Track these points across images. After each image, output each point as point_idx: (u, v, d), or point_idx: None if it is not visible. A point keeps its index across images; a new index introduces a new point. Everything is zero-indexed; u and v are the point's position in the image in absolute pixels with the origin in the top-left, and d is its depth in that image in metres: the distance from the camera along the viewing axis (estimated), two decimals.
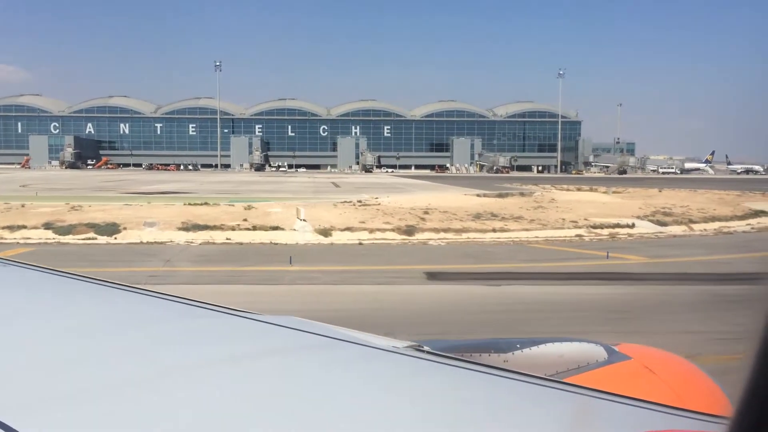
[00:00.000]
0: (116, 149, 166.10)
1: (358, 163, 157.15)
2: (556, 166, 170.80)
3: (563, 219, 33.51)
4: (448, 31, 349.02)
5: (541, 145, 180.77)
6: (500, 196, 45.10)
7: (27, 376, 1.48)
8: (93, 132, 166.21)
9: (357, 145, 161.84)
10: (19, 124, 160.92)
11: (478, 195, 44.88)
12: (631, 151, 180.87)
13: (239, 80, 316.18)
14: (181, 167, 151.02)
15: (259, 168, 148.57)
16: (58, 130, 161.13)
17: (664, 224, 34.79)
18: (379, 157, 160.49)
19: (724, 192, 64.41)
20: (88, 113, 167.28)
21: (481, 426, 1.34)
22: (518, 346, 2.69)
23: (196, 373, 1.55)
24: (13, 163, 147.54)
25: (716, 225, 36.35)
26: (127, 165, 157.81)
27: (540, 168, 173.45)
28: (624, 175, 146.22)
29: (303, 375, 1.59)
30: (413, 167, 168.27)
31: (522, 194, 48.49)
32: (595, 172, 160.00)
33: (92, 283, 2.65)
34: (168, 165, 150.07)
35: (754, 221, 38.57)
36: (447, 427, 1.30)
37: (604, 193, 55.30)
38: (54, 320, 2.04)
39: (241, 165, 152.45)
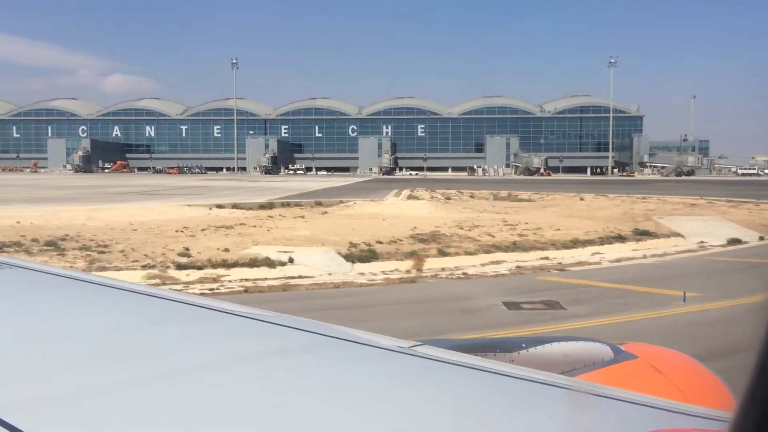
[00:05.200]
0: (143, 152, 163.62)
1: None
2: (607, 167, 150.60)
3: (208, 248, 21.15)
4: (500, 19, 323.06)
5: (598, 143, 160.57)
6: (264, 207, 32.45)
7: (31, 376, 1.48)
8: (120, 135, 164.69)
9: (380, 146, 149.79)
10: (50, 127, 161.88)
11: (219, 206, 32.48)
12: (704, 150, 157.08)
13: (276, 81, 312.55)
14: (189, 170, 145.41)
15: (269, 171, 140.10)
16: (86, 134, 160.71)
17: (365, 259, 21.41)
18: (396, 158, 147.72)
19: (690, 199, 48.04)
20: (115, 116, 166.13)
21: (487, 425, 1.33)
22: (524, 345, 2.66)
23: (199, 373, 1.54)
24: (45, 167, 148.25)
25: (458, 262, 22.42)
26: (147, 168, 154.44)
27: (600, 169, 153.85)
28: (684, 177, 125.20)
29: (307, 375, 1.59)
30: (450, 169, 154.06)
31: (319, 204, 35.39)
32: (648, 174, 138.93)
33: (93, 283, 2.62)
34: (172, 168, 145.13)
35: (551, 254, 24.21)
36: (453, 426, 1.29)
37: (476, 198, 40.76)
38: (57, 321, 2.04)
39: (255, 168, 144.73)
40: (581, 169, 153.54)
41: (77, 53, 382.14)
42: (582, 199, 47.66)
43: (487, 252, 23.53)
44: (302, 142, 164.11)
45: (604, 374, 2.49)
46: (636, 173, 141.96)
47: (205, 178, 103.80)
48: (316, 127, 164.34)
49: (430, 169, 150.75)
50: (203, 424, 1.25)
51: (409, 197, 44.22)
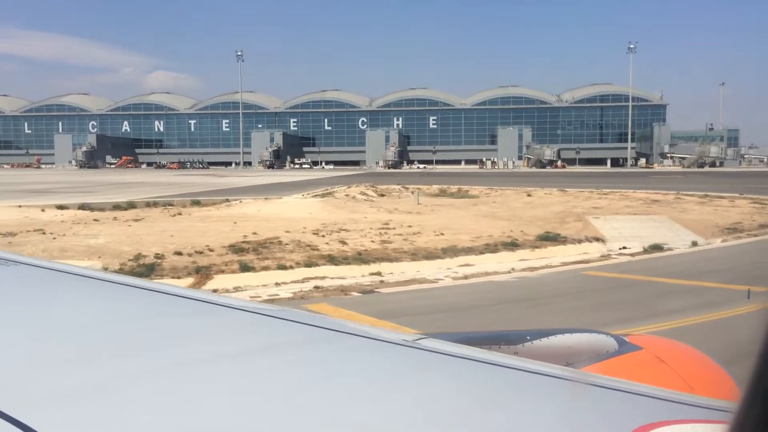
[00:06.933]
0: (152, 147, 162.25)
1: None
2: (627, 159, 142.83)
3: None
4: (517, 4, 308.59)
5: (619, 134, 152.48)
6: (119, 207, 28.56)
7: (34, 372, 1.49)
8: (129, 130, 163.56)
9: (387, 139, 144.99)
10: (60, 123, 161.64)
11: (60, 207, 28.63)
12: (733, 140, 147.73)
13: (290, 73, 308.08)
14: (191, 165, 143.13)
15: (272, 165, 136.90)
16: (96, 129, 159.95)
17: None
18: (402, 151, 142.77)
19: (660, 194, 42.62)
20: (125, 111, 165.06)
21: (492, 417, 1.34)
22: (528, 338, 2.67)
23: (201, 368, 1.55)
24: (53, 163, 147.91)
25: (255, 279, 18.36)
26: (153, 163, 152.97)
27: (622, 161, 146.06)
28: (708, 169, 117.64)
29: (312, 368, 1.59)
30: (463, 162, 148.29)
31: (196, 203, 31.27)
32: (669, 166, 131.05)
33: (95, 279, 2.63)
34: (173, 163, 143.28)
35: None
36: (458, 419, 1.30)
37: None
38: (59, 316, 2.05)
39: (259, 162, 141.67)
40: (601, 161, 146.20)
41: (121, 51, 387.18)
42: (529, 195, 42.54)
43: (310, 266, 19.17)
44: (312, 136, 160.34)
45: (608, 366, 2.44)
46: (656, 165, 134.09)
47: (187, 173, 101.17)
48: (326, 120, 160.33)
49: (443, 162, 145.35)
50: (205, 418, 1.24)
51: (320, 195, 39.75)
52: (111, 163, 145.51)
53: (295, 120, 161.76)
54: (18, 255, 2.97)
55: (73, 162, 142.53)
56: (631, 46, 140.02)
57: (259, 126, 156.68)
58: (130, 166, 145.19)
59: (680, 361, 2.68)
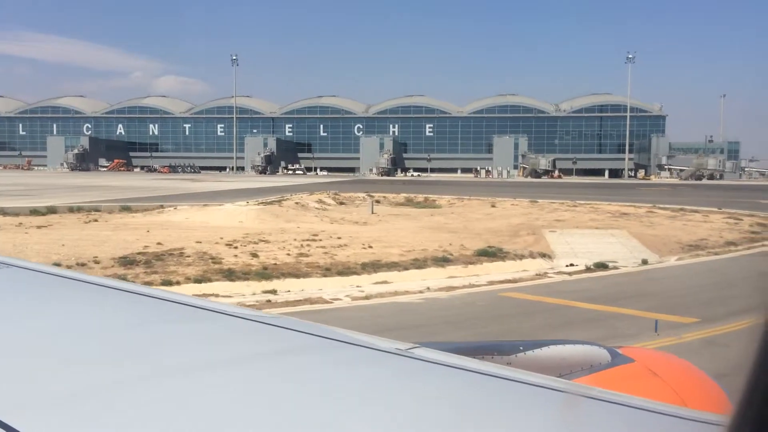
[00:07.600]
0: (146, 150, 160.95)
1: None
2: (624, 170, 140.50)
3: None
4: (518, 13, 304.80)
5: (618, 144, 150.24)
6: (37, 212, 26.81)
7: (28, 376, 1.49)
8: (124, 133, 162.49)
9: (382, 146, 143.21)
10: (55, 125, 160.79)
11: None
12: (734, 152, 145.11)
13: (289, 78, 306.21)
14: (182, 169, 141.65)
15: (264, 171, 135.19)
16: (90, 131, 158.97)
17: None
18: (395, 158, 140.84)
19: (631, 208, 40.67)
20: (120, 114, 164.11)
21: (484, 428, 1.34)
22: (521, 348, 2.69)
23: (196, 374, 1.55)
24: (46, 165, 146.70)
25: None
26: (147, 167, 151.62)
27: (620, 172, 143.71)
28: (706, 181, 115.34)
29: (304, 376, 1.59)
30: (459, 170, 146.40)
31: (127, 209, 29.44)
32: (666, 177, 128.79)
33: (90, 283, 2.64)
34: (164, 167, 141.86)
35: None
36: (450, 429, 1.30)
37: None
38: (54, 321, 2.06)
39: (251, 167, 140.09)
40: (599, 172, 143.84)
41: (130, 55, 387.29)
42: (493, 206, 40.69)
43: (202, 282, 17.42)
44: (307, 141, 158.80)
45: (601, 378, 2.44)
46: (653, 176, 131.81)
47: (168, 177, 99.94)
48: (321, 126, 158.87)
49: (438, 170, 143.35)
50: (199, 425, 1.24)
51: (266, 202, 37.94)
52: (103, 166, 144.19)
53: (291, 125, 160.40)
54: (16, 259, 2.92)
55: (65, 164, 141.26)
56: (630, 56, 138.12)
57: (254, 131, 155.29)
58: (122, 169, 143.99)
59: (673, 374, 2.65)
